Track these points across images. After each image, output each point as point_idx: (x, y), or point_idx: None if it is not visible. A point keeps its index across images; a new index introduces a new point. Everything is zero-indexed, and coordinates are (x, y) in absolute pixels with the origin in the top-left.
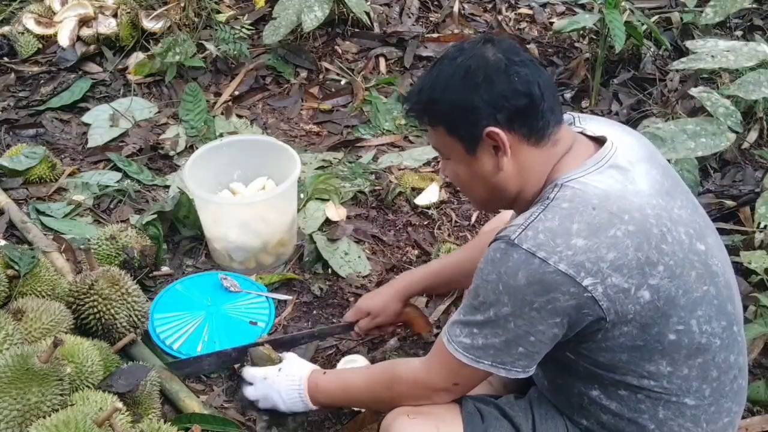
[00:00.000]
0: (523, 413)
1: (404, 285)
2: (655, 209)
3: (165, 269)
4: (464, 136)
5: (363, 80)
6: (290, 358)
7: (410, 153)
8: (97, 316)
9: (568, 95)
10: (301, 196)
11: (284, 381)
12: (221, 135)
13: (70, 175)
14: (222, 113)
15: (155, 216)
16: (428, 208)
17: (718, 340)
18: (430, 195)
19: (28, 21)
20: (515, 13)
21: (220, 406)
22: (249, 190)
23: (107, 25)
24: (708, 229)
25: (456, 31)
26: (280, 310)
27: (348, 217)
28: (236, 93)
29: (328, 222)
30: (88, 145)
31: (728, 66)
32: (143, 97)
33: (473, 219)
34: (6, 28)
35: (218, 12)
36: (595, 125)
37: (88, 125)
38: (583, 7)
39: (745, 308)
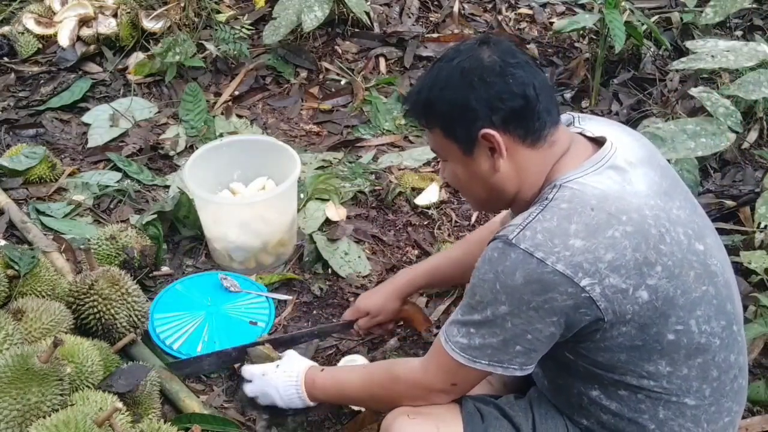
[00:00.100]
0: (523, 413)
1: (403, 283)
2: (653, 210)
3: (165, 269)
4: (460, 138)
5: (363, 80)
6: (289, 354)
7: (410, 153)
8: (97, 316)
9: (568, 95)
10: (301, 196)
11: (281, 377)
12: (221, 135)
13: (70, 175)
14: (222, 113)
15: (155, 216)
16: (428, 208)
17: (718, 340)
18: (430, 195)
19: (28, 21)
20: (515, 13)
21: (220, 406)
22: (249, 190)
23: (107, 25)
24: (707, 229)
25: (456, 31)
26: (280, 310)
27: (348, 217)
28: (236, 93)
29: (328, 222)
30: (88, 145)
31: (728, 66)
32: (143, 97)
33: (473, 219)
34: (6, 28)
35: (218, 12)
36: (595, 125)
37: (88, 125)
38: (583, 7)
39: (745, 308)
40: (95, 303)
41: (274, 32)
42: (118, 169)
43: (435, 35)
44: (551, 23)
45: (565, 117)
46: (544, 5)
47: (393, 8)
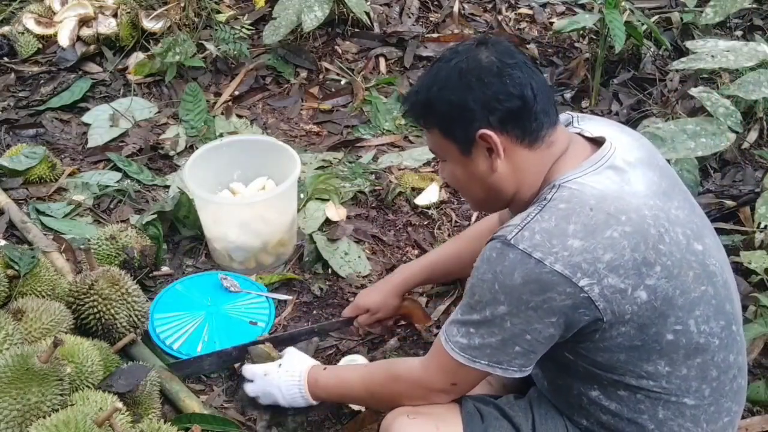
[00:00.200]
0: (523, 413)
1: (402, 279)
2: (652, 210)
3: (165, 269)
4: (458, 138)
5: (363, 80)
6: (290, 352)
7: (410, 153)
8: (97, 316)
9: (568, 95)
10: (301, 196)
11: (284, 377)
12: (221, 135)
13: (70, 175)
14: (222, 113)
15: (155, 216)
16: (428, 208)
17: (717, 340)
18: (430, 195)
19: (28, 21)
20: (515, 13)
21: (220, 406)
22: (249, 190)
23: (107, 25)
24: (706, 229)
25: (456, 31)
26: (280, 310)
27: (348, 217)
28: (236, 93)
29: (328, 222)
30: (88, 145)
31: (728, 66)
32: (143, 97)
33: (473, 219)
34: (6, 28)
35: (218, 12)
36: (594, 125)
37: (88, 125)
38: (583, 7)
39: (745, 308)
40: (95, 303)
41: (274, 32)
42: (118, 169)
43: (435, 35)
44: (551, 23)
45: (563, 117)
46: (544, 5)
47: (393, 8)
